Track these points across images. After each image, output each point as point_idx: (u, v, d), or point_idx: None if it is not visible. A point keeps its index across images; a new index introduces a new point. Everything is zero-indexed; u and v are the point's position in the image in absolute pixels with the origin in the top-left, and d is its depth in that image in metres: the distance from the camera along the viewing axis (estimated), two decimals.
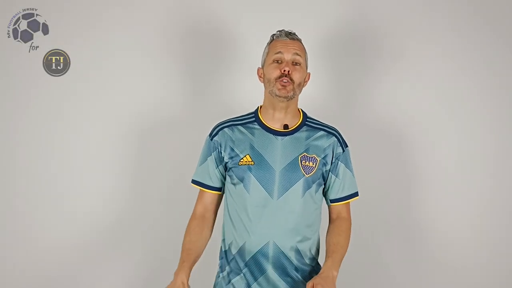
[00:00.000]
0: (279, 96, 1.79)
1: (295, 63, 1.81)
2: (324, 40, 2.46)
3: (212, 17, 2.46)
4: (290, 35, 1.84)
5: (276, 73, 1.79)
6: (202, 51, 2.47)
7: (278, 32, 1.85)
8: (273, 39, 1.86)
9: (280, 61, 1.80)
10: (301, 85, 1.84)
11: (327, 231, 1.86)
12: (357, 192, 1.90)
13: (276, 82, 1.79)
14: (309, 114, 1.91)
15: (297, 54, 1.81)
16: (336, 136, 1.88)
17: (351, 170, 1.89)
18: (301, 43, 1.86)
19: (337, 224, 1.86)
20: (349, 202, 1.89)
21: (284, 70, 1.78)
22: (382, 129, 2.48)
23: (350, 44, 2.48)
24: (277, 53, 1.80)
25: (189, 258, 1.76)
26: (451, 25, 2.50)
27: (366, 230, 2.45)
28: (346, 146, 1.89)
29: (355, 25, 2.48)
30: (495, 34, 2.50)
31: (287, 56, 1.80)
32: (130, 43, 2.46)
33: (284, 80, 1.78)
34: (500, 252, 2.51)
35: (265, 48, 1.87)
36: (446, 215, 2.50)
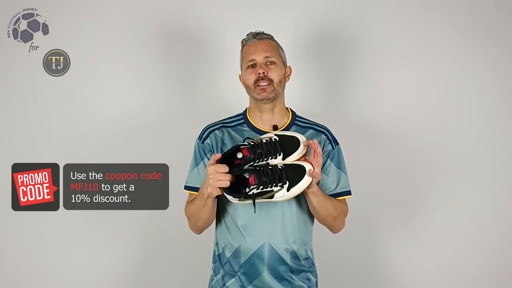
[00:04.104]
0: (261, 100, 1.79)
1: (269, 63, 1.80)
2: (311, 39, 2.45)
3: (203, 18, 2.47)
4: (258, 35, 1.83)
5: (253, 78, 1.79)
6: (195, 52, 2.47)
7: (246, 36, 1.85)
8: (243, 44, 1.85)
9: (254, 65, 1.80)
10: (282, 82, 1.82)
11: None
12: (349, 190, 1.83)
13: (255, 87, 1.79)
14: (298, 113, 1.89)
15: (268, 55, 1.80)
16: (325, 134, 1.85)
17: (343, 168, 1.84)
18: (272, 39, 1.85)
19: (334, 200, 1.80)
20: (343, 198, 1.82)
21: (259, 73, 1.78)
22: (374, 129, 2.47)
23: (339, 42, 2.47)
24: (250, 60, 1.80)
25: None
26: (447, 23, 2.47)
27: (361, 230, 2.45)
28: (337, 143, 1.86)
29: (343, 24, 2.46)
30: (492, 31, 2.48)
31: (259, 59, 1.79)
32: (130, 43, 2.46)
33: (262, 83, 1.78)
34: (500, 250, 2.50)
35: (240, 54, 1.87)
36: (442, 214, 2.49)
